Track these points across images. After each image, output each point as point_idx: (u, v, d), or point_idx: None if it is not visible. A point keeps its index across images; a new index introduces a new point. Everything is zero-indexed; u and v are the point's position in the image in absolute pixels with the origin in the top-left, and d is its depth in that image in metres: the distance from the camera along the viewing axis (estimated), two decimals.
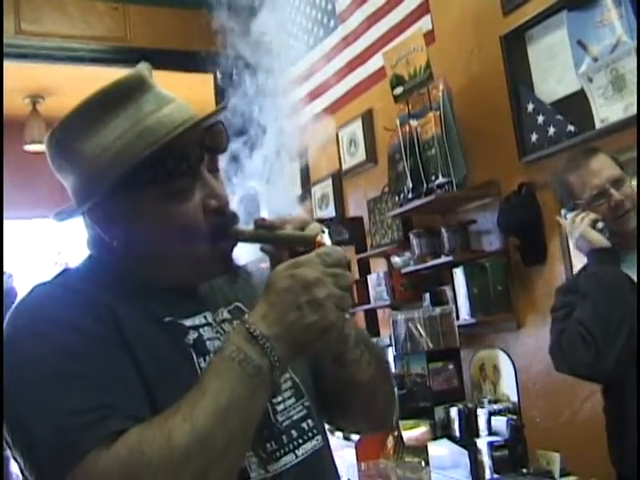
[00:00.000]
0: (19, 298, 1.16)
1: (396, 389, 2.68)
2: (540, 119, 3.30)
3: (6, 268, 5.95)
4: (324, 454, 1.28)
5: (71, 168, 1.20)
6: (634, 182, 2.42)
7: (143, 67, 1.24)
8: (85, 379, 1.03)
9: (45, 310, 1.12)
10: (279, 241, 1.19)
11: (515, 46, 3.44)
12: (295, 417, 1.24)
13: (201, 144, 1.18)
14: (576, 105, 3.15)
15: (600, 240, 2.31)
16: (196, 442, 0.97)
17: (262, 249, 1.21)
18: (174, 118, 1.17)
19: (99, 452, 0.96)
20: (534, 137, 3.33)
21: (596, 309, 2.22)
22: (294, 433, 1.22)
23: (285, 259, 1.14)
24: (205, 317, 1.23)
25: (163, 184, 1.16)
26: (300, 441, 1.22)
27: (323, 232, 1.16)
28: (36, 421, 1.01)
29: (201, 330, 1.21)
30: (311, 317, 1.05)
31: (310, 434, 1.25)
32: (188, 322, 1.20)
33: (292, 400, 1.25)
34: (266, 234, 1.19)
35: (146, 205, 1.17)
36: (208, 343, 1.19)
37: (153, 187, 1.16)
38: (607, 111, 2.99)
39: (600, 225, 2.33)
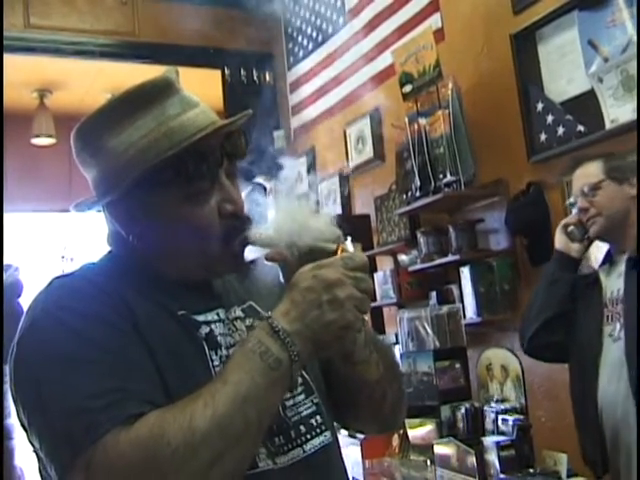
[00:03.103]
0: (25, 290, 1.19)
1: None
2: (549, 119, 3.29)
3: (12, 261, 5.97)
4: (332, 450, 1.29)
5: (95, 162, 1.23)
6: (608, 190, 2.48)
7: (171, 70, 1.28)
8: (102, 365, 1.07)
9: (64, 300, 1.15)
10: (294, 247, 1.20)
11: (525, 45, 3.44)
12: (304, 413, 1.26)
13: (221, 149, 1.22)
14: (586, 105, 3.15)
15: (556, 241, 2.65)
16: (215, 427, 1.00)
17: (267, 258, 1.23)
18: (197, 122, 1.20)
19: (118, 432, 0.99)
20: (543, 137, 3.33)
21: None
22: (302, 428, 1.24)
23: (297, 267, 1.17)
24: (218, 314, 1.26)
25: (182, 185, 1.19)
26: (308, 436, 1.24)
27: (346, 239, 1.19)
28: (54, 404, 1.05)
29: (213, 325, 1.23)
30: (331, 315, 1.08)
31: (318, 430, 1.27)
32: (201, 317, 1.23)
33: (302, 396, 1.27)
34: (283, 240, 1.21)
35: (164, 204, 1.20)
36: (219, 338, 1.22)
37: (172, 187, 1.19)
38: (617, 111, 2.99)
39: (569, 229, 2.60)
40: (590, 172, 2.50)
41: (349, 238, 1.20)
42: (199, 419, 1.00)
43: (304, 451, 1.22)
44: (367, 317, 4.32)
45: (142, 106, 1.20)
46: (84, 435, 1.00)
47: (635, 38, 2.91)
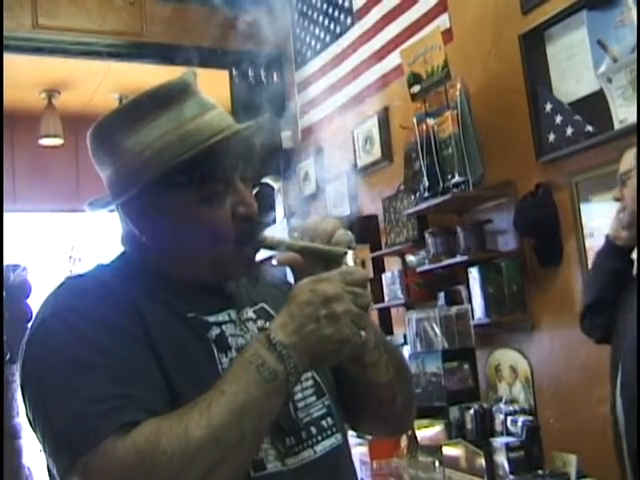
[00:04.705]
0: (34, 291, 1.20)
1: None
2: (558, 119, 3.28)
3: (20, 261, 5.98)
4: (343, 452, 1.30)
5: (110, 161, 1.24)
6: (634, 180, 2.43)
7: (189, 72, 1.28)
8: (107, 370, 1.07)
9: (74, 301, 1.16)
10: (305, 253, 1.21)
11: (534, 45, 3.43)
12: (315, 415, 1.27)
13: (236, 153, 1.22)
14: (595, 105, 3.13)
15: (611, 226, 2.57)
16: (211, 437, 1.01)
17: (278, 262, 1.24)
18: (214, 125, 1.21)
19: (115, 440, 1.00)
20: (552, 137, 3.32)
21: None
22: (313, 430, 1.25)
23: (309, 270, 1.18)
24: (229, 315, 1.27)
25: (197, 187, 1.20)
26: (319, 438, 1.25)
27: (346, 253, 1.20)
28: (57, 406, 1.06)
29: (224, 327, 1.24)
30: (327, 330, 1.09)
31: (329, 432, 1.27)
32: (211, 318, 1.24)
33: (313, 398, 1.28)
34: (293, 245, 1.22)
35: (178, 205, 1.21)
36: (230, 339, 1.23)
37: (187, 189, 1.20)
38: (626, 112, 2.97)
39: (620, 215, 2.51)
40: (627, 159, 2.46)
41: (350, 252, 1.21)
42: (195, 429, 1.01)
43: (315, 452, 1.23)
44: (375, 318, 4.33)
45: (159, 107, 1.21)
46: (83, 440, 1.01)
47: None
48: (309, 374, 1.28)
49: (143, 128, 1.20)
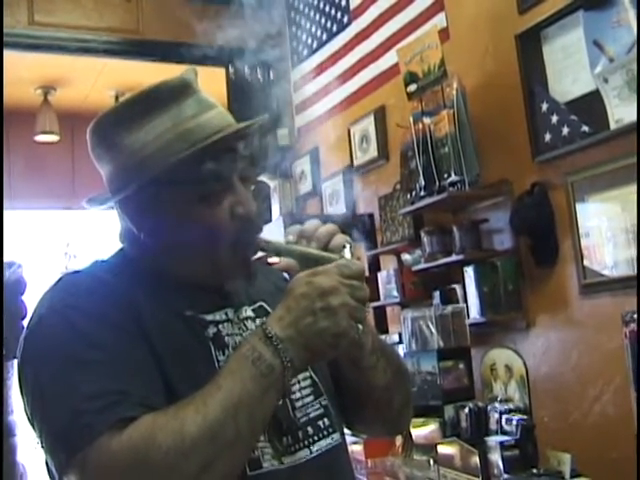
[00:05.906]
0: (29, 288, 1.22)
1: None
2: (554, 119, 3.28)
3: (15, 258, 5.97)
4: (339, 452, 1.31)
5: (110, 158, 1.24)
6: None
7: (190, 71, 1.29)
8: (104, 366, 1.08)
9: (72, 298, 1.17)
10: (302, 258, 1.22)
11: (530, 45, 3.43)
12: (312, 415, 1.27)
13: (235, 152, 1.23)
14: (591, 105, 3.13)
15: None
16: (206, 433, 1.01)
17: (278, 268, 1.25)
18: (214, 124, 1.22)
19: (112, 435, 1.01)
20: (548, 137, 3.32)
21: None
22: (310, 430, 1.25)
23: None
24: (226, 313, 1.27)
25: (196, 186, 1.20)
26: (315, 438, 1.25)
27: (344, 247, 1.21)
28: (54, 403, 1.07)
29: (220, 326, 1.24)
30: (324, 323, 1.09)
31: (326, 432, 1.28)
32: (209, 317, 1.24)
33: (310, 398, 1.29)
34: (290, 249, 1.23)
35: (176, 203, 1.21)
36: (227, 338, 1.23)
37: (186, 187, 1.20)
38: (622, 112, 2.98)
39: None
40: None
41: (347, 246, 1.21)
42: (190, 424, 1.01)
43: (310, 452, 1.23)
44: (370, 317, 4.33)
45: (159, 105, 1.21)
46: (80, 436, 1.02)
47: None
48: (307, 374, 1.29)
49: (143, 126, 1.20)
